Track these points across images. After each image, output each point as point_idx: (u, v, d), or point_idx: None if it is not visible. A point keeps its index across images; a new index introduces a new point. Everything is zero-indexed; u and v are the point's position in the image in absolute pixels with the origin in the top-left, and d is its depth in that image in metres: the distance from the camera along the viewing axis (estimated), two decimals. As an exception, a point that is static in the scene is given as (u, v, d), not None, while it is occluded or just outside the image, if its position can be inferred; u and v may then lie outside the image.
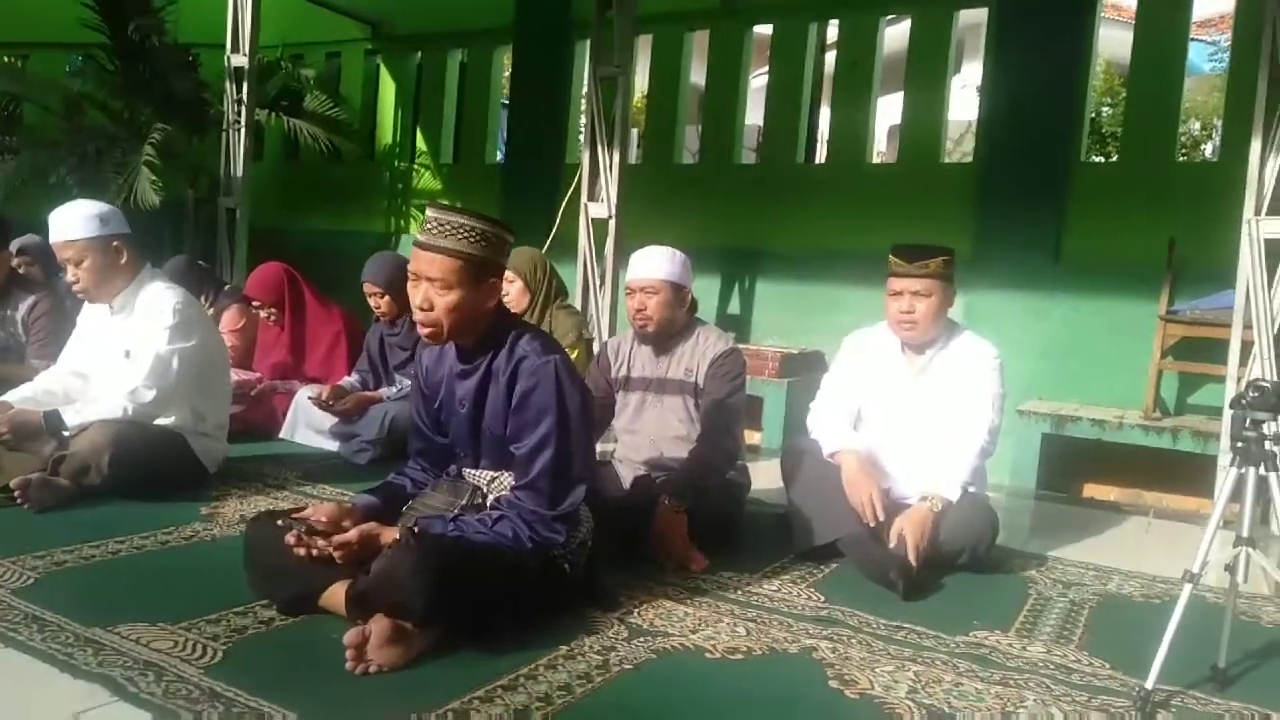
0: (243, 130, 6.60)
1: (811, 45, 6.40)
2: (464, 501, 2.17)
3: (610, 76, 5.40)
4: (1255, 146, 3.67)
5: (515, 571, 2.03)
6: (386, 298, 4.03)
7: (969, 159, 6.54)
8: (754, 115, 7.24)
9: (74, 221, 2.99)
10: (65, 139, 6.78)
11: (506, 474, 2.19)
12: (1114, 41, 7.79)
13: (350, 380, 4.19)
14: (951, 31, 5.87)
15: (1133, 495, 4.92)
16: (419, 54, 8.04)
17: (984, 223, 5.53)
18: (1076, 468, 5.00)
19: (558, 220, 5.89)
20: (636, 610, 2.28)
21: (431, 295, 2.05)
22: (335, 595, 2.06)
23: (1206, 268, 4.72)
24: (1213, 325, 4.43)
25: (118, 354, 3.07)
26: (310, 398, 4.04)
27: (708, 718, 1.79)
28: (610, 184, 5.42)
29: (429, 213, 2.09)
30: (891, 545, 2.65)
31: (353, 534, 2.04)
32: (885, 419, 3.03)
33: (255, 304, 4.41)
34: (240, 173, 6.66)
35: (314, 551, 2.01)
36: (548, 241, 5.63)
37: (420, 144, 7.94)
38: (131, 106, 7.10)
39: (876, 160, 6.54)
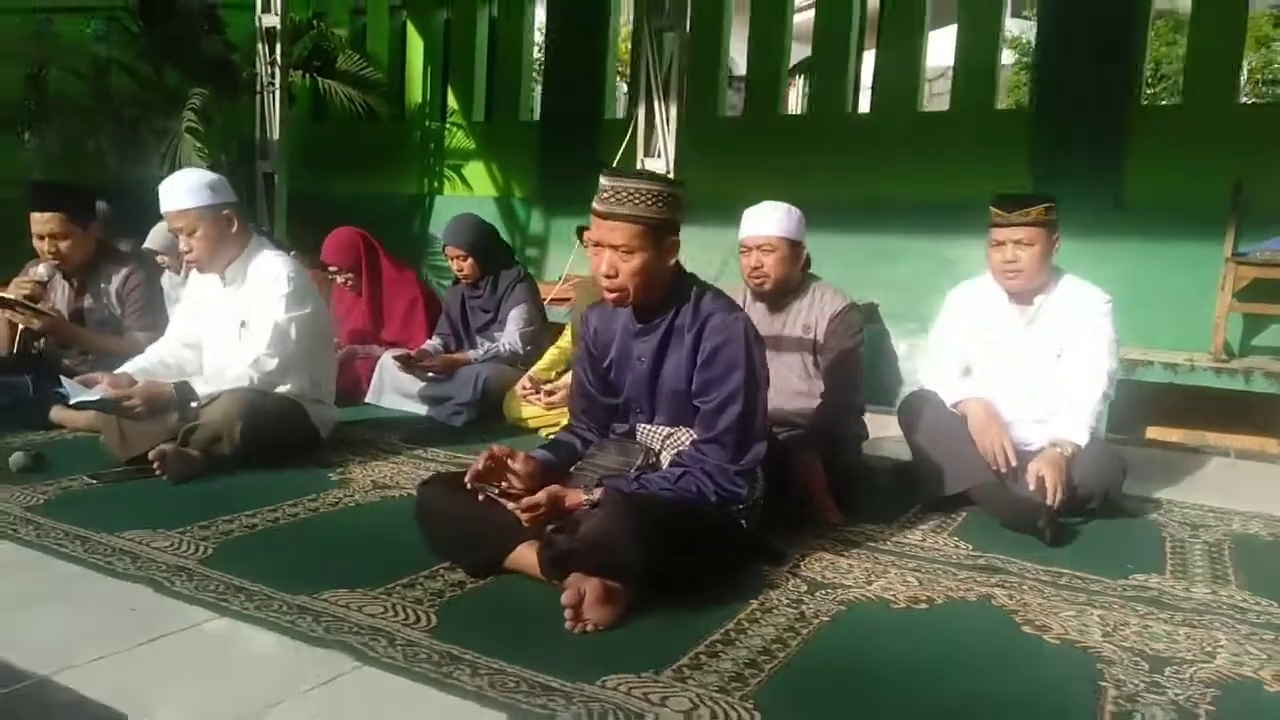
0: (277, 92, 6.48)
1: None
2: (638, 462, 2.18)
3: (664, 29, 5.31)
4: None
5: (704, 528, 2.06)
6: (470, 260, 4.00)
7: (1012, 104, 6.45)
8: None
9: (186, 191, 2.95)
10: (96, 105, 6.65)
11: (682, 430, 2.21)
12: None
13: (432, 343, 4.17)
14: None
15: (1196, 437, 4.97)
16: (445, 10, 7.88)
17: (1041, 169, 5.49)
18: (1140, 412, 5.04)
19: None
20: (801, 563, 2.31)
21: (616, 261, 2.07)
22: (522, 556, 2.08)
23: (1273, 209, 4.73)
24: (1287, 266, 4.45)
25: (233, 325, 3.05)
26: (395, 358, 4.02)
27: (931, 667, 1.81)
28: (668, 139, 5.35)
29: (604, 180, 2.09)
30: (1031, 489, 2.68)
31: (541, 496, 2.05)
32: (997, 369, 3.04)
33: (332, 270, 4.37)
34: (276, 136, 6.55)
35: (511, 507, 2.02)
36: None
37: (451, 102, 7.82)
38: (159, 70, 6.96)
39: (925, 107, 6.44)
